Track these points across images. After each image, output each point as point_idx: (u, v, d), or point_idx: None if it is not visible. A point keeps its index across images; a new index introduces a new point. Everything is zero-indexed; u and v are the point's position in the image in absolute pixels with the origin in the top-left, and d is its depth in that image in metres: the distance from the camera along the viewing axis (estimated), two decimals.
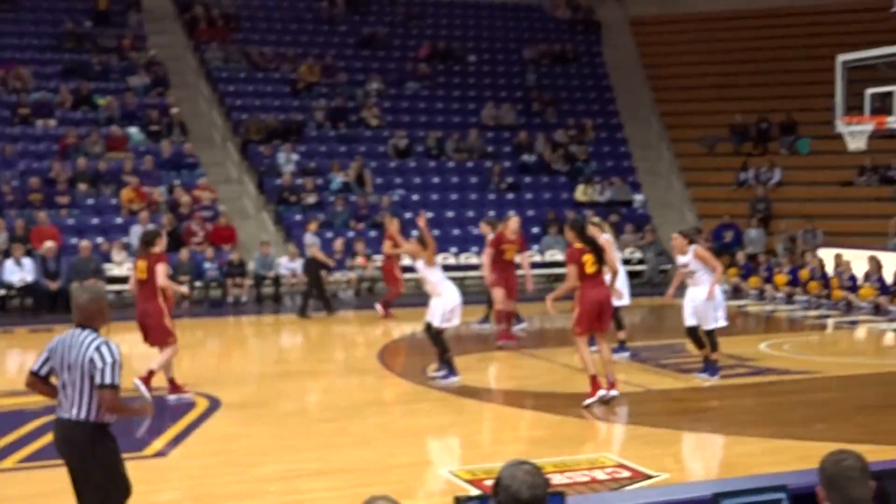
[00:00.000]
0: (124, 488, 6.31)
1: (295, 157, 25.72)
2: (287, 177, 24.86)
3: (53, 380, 6.28)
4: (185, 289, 13.92)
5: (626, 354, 14.38)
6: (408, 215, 24.44)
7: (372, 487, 8.09)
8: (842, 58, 17.60)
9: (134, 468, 8.98)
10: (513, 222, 15.90)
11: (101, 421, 6.14)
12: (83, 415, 6.08)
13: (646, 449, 9.95)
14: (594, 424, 11.05)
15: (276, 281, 21.80)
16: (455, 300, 12.85)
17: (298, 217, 24.22)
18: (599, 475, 8.57)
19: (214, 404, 11.68)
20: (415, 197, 25.82)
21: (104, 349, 6.06)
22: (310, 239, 20.28)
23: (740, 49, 31.56)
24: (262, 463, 9.16)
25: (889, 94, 16.75)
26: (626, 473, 8.63)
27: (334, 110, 27.75)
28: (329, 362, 15.50)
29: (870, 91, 17.06)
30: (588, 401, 11.35)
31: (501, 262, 15.60)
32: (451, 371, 12.77)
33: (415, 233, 15.06)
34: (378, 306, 19.57)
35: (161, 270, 11.87)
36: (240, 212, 24.56)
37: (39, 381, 6.31)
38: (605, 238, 14.56)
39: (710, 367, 12.76)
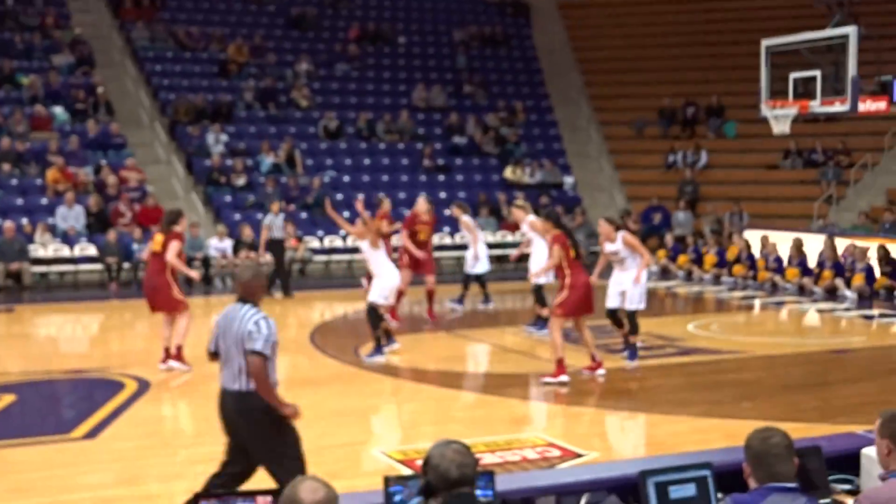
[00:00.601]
0: (297, 454, 6.49)
1: (224, 138, 25.49)
2: (216, 158, 24.64)
3: None
4: (194, 273, 14.17)
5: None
6: (339, 196, 24.39)
7: None
8: (766, 42, 17.83)
9: (63, 450, 8.96)
10: (421, 203, 15.97)
11: (254, 390, 6.34)
12: (244, 386, 6.35)
13: (576, 428, 10.09)
14: (526, 404, 11.14)
15: (206, 262, 21.61)
16: (394, 281, 13.22)
17: (228, 198, 24.04)
18: (530, 454, 8.66)
19: (144, 386, 11.57)
20: (346, 178, 25.75)
21: (262, 322, 6.34)
22: (269, 220, 19.98)
23: (668, 33, 31.90)
24: (195, 444, 9.12)
25: (812, 78, 17.02)
26: (556, 452, 8.72)
27: (263, 91, 27.53)
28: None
29: (794, 76, 17.32)
30: (548, 379, 11.53)
31: (416, 242, 15.73)
32: (379, 349, 12.90)
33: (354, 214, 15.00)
34: (364, 281, 19.66)
35: (173, 247, 12.39)
36: (168, 193, 24.28)
37: (216, 358, 6.62)
38: (531, 219, 14.81)
39: (631, 351, 12.86)
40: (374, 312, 13.11)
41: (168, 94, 26.81)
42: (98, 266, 21.39)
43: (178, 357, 12.40)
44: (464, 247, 23.68)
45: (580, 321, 12.04)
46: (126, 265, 21.37)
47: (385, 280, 13.16)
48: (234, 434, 6.54)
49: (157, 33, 28.54)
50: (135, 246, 21.40)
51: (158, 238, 12.58)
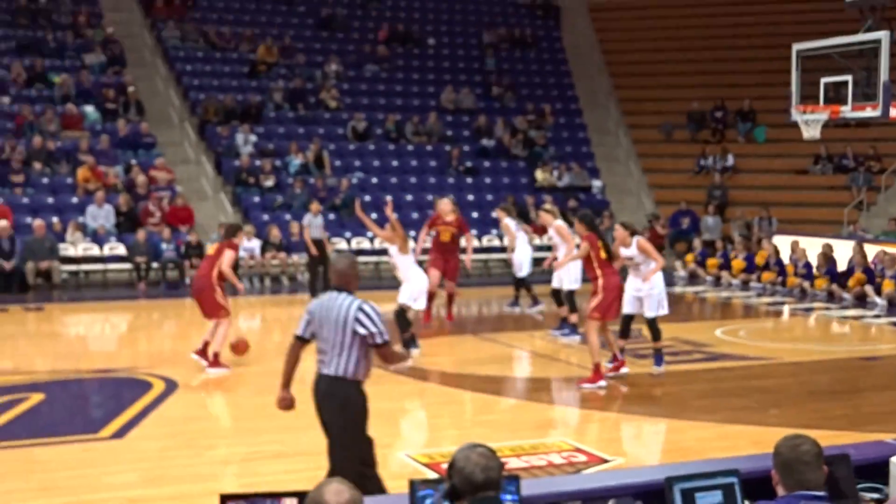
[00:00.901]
0: (369, 441, 6.75)
1: (253, 138, 25.57)
2: (245, 158, 24.71)
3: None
4: (240, 284, 14.48)
5: (578, 338, 14.51)
6: (367, 198, 24.43)
7: None
8: (797, 47, 17.71)
9: (90, 449, 9.02)
10: (443, 204, 15.71)
11: (357, 378, 6.63)
12: (342, 371, 6.56)
13: (602, 433, 10.07)
14: (552, 409, 11.12)
15: (234, 262, 21.66)
16: (423, 284, 13.29)
17: (256, 199, 24.12)
18: (556, 459, 8.64)
19: (171, 386, 11.63)
20: (374, 180, 25.78)
21: (366, 308, 6.54)
22: (307, 219, 20.12)
23: (698, 37, 31.75)
24: (220, 445, 9.15)
25: (843, 83, 16.90)
26: (582, 458, 8.70)
27: (293, 92, 27.60)
28: (287, 346, 15.41)
29: (825, 80, 17.20)
30: (587, 385, 11.55)
31: (437, 243, 15.64)
32: (410, 345, 13.05)
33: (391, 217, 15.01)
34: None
35: (227, 256, 12.87)
36: (197, 192, 24.40)
37: (303, 344, 6.85)
38: (558, 224, 14.84)
39: (658, 357, 12.73)
40: (402, 315, 13.15)
41: (198, 94, 26.93)
42: (127, 265, 21.50)
43: (216, 363, 12.60)
44: (494, 249, 23.87)
45: (605, 323, 12.03)
46: (155, 265, 21.47)
47: (414, 283, 13.22)
48: (322, 417, 6.75)
49: (188, 33, 28.68)
50: (163, 245, 21.52)
51: (214, 245, 13.22)
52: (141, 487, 8.03)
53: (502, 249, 22.63)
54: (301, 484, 7.34)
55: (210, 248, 13.34)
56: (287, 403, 7.05)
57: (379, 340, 6.53)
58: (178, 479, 8.25)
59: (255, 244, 21.78)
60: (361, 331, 6.50)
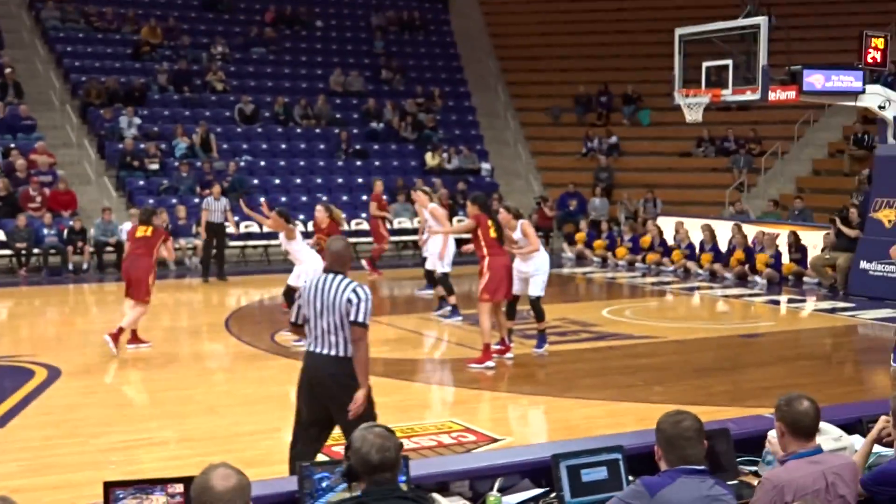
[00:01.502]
0: (372, 415, 6.66)
1: (137, 121, 25.08)
2: (129, 141, 24.21)
3: None
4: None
5: (460, 318, 14.71)
6: (255, 181, 24.20)
7: (217, 456, 7.97)
8: (679, 31, 18.07)
9: None
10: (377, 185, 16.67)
11: (351, 356, 6.66)
12: (342, 351, 6.65)
13: (491, 413, 10.16)
14: (441, 390, 11.19)
15: (118, 247, 21.28)
16: (316, 265, 13.24)
17: (141, 183, 23.67)
18: (446, 439, 8.70)
19: (54, 374, 11.37)
20: (262, 163, 25.53)
21: (359, 290, 6.65)
22: (206, 203, 19.83)
23: (584, 21, 32.16)
24: (104, 433, 8.98)
25: (724, 67, 17.29)
26: (471, 437, 8.78)
27: (178, 73, 27.14)
28: (175, 330, 15.25)
29: (706, 64, 17.57)
30: (475, 365, 11.66)
31: None
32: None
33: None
34: (364, 263, 19.61)
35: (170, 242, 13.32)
36: (80, 177, 23.84)
37: (300, 329, 6.95)
38: (433, 206, 15.02)
39: (540, 338, 12.78)
40: (290, 295, 13.31)
41: (79, 76, 26.30)
42: (7, 251, 20.91)
43: (135, 339, 12.91)
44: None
45: (498, 304, 12.11)
46: (36, 251, 20.93)
47: (307, 265, 13.47)
48: (317, 396, 6.77)
49: (68, 13, 27.98)
50: (45, 231, 20.98)
51: (148, 228, 13.00)
52: (23, 477, 7.84)
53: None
54: (187, 470, 7.26)
55: (143, 231, 12.95)
56: None
57: (358, 319, 6.59)
58: (62, 467, 8.09)
59: None
60: (349, 308, 6.60)
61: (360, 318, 6.59)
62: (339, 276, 6.74)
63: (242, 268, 21.86)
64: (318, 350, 6.76)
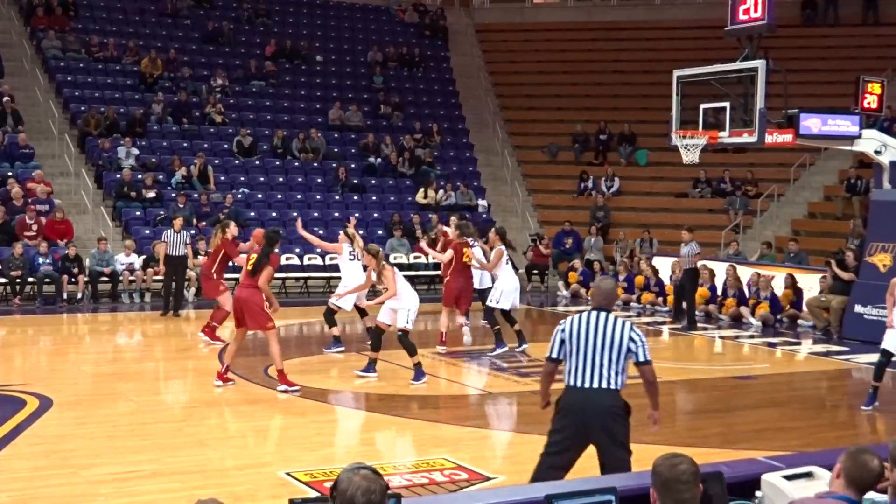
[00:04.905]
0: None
1: (135, 151, 25.11)
2: (126, 172, 24.23)
3: None
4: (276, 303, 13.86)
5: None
6: (252, 213, 24.20)
7: (207, 490, 7.99)
8: (678, 73, 18.16)
9: None
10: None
11: (621, 389, 7.05)
12: (614, 383, 7.00)
13: (484, 451, 10.12)
14: (434, 426, 11.13)
15: (113, 277, 21.24)
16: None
17: (138, 213, 23.68)
18: (438, 477, 8.66)
19: (46, 404, 11.32)
20: (259, 195, 25.56)
21: (636, 331, 7.14)
22: (166, 235, 19.65)
23: (582, 60, 32.39)
24: (95, 465, 8.93)
25: (722, 109, 17.35)
26: (463, 475, 8.74)
27: (177, 105, 27.22)
28: (167, 362, 15.20)
29: (703, 106, 17.64)
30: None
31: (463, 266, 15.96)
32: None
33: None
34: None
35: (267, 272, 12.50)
36: (76, 206, 23.85)
37: (556, 364, 7.27)
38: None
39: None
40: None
41: (79, 106, 26.37)
42: (1, 280, 20.85)
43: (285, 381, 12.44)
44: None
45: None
46: (31, 279, 20.86)
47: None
48: (587, 429, 7.02)
49: (69, 43, 28.09)
50: (40, 259, 20.94)
51: (251, 257, 12.70)
52: None
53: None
54: (178, 503, 7.24)
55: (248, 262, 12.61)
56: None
57: (647, 358, 7.12)
58: (52, 499, 8.03)
59: (135, 259, 21.36)
60: (633, 347, 7.04)
61: (648, 357, 7.13)
62: (610, 315, 7.13)
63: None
64: (587, 385, 7.02)
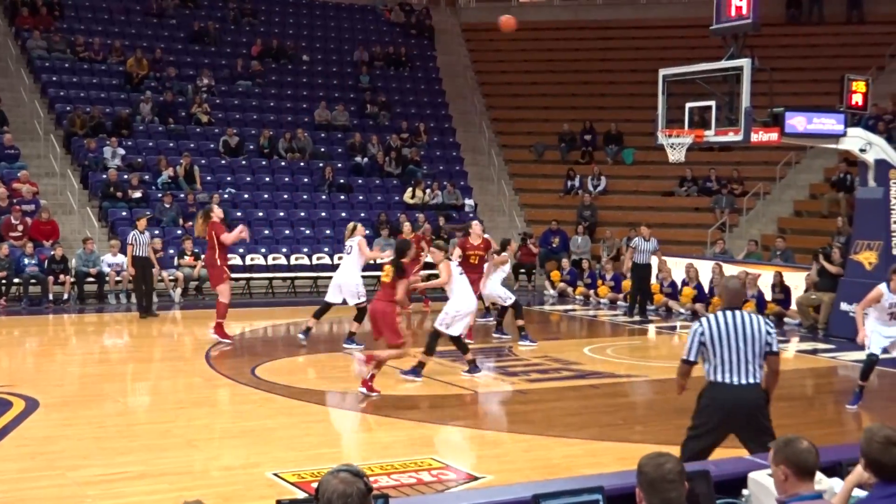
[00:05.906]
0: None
1: (121, 151, 25.04)
2: (112, 172, 24.16)
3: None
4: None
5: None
6: (238, 213, 24.15)
7: (195, 491, 7.98)
8: (663, 72, 18.19)
9: None
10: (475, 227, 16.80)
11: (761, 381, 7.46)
12: (754, 378, 7.39)
13: (472, 451, 10.13)
14: (421, 426, 11.14)
15: (100, 278, 21.18)
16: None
17: (124, 213, 23.61)
18: (426, 477, 8.66)
19: (32, 405, 11.28)
20: (245, 195, 25.51)
21: (769, 322, 7.60)
22: (131, 237, 19.54)
23: (568, 60, 32.43)
24: (82, 466, 8.91)
25: (707, 108, 17.39)
26: (451, 475, 8.74)
27: (163, 105, 27.16)
28: (154, 362, 15.18)
29: (689, 105, 17.68)
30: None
31: (468, 265, 15.71)
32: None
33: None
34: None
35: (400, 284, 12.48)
36: (62, 206, 23.77)
37: (691, 366, 7.71)
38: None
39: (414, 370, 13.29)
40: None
41: (64, 106, 26.28)
42: None
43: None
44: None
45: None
46: (16, 280, 20.78)
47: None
48: (732, 423, 7.45)
49: (55, 43, 27.99)
50: (25, 260, 20.86)
51: (387, 268, 12.53)
52: None
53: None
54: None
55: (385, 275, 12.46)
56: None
57: (774, 348, 7.47)
58: (38, 501, 8.01)
59: (122, 259, 21.29)
60: (770, 339, 7.40)
61: (777, 348, 7.51)
62: (744, 312, 7.49)
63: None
64: (737, 381, 7.36)
